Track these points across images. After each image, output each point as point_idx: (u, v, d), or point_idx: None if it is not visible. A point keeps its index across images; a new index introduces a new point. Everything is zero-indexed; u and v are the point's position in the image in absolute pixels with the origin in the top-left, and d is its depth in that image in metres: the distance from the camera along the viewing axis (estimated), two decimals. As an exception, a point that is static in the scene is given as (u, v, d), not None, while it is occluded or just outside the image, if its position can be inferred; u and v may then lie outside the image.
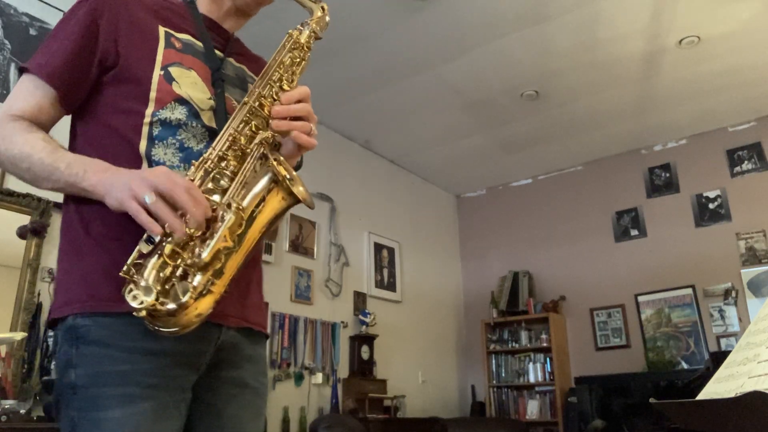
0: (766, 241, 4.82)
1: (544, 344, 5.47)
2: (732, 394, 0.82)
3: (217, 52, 1.12)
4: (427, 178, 6.38)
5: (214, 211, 0.89)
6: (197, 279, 0.86)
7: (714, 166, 5.22)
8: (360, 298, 5.12)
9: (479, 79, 4.53)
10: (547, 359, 5.45)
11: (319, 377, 4.48)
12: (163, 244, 0.86)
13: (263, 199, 0.93)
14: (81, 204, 0.97)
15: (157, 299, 0.83)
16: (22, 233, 2.98)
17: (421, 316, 5.77)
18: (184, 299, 0.84)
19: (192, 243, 0.87)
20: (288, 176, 0.95)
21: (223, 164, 0.95)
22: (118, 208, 0.87)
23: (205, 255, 0.86)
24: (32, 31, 3.28)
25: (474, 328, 6.14)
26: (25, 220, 3.00)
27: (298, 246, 4.67)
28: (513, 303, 5.79)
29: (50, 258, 3.09)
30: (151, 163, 0.97)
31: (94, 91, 1.02)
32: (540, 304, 5.72)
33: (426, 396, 5.50)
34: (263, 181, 0.93)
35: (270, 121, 1.00)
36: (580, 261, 5.72)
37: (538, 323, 5.65)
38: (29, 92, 0.98)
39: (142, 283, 0.84)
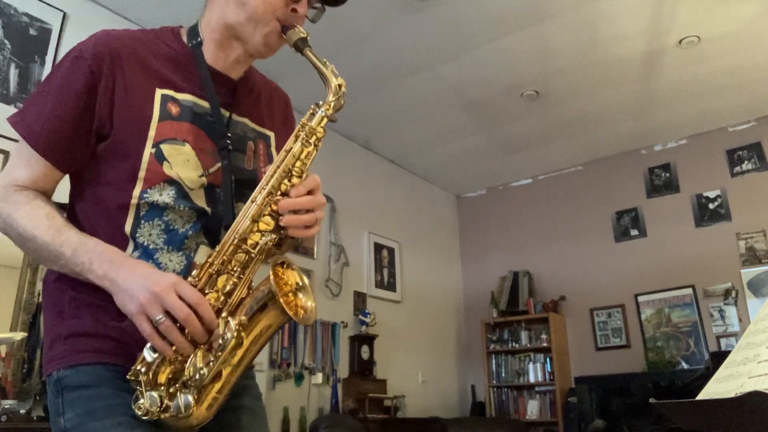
0: (766, 241, 4.82)
1: (544, 344, 5.47)
2: (732, 394, 0.82)
3: (222, 111, 1.07)
4: (427, 178, 6.38)
5: (217, 324, 0.91)
6: (198, 393, 0.90)
7: (714, 166, 5.22)
8: (360, 298, 5.12)
9: (479, 79, 4.53)
10: (547, 359, 5.45)
11: (319, 377, 4.48)
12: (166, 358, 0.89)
13: (262, 312, 0.92)
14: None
15: (160, 408, 0.88)
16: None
17: (421, 316, 5.77)
18: (185, 412, 0.88)
19: (195, 354, 0.90)
20: (299, 283, 0.97)
21: (228, 267, 0.95)
22: (125, 312, 0.89)
23: (206, 375, 0.89)
24: (32, 31, 3.28)
25: (474, 328, 6.14)
26: (25, 220, 2.99)
27: (298, 246, 4.68)
28: (513, 303, 5.79)
29: (50, 258, 3.09)
30: (136, 245, 0.97)
31: (91, 157, 1.00)
32: (540, 304, 5.72)
33: (426, 396, 5.50)
34: (263, 295, 0.92)
35: (279, 217, 0.98)
36: (580, 261, 5.72)
37: (538, 323, 5.65)
38: (27, 162, 0.97)
39: (148, 391, 0.88)
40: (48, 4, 3.36)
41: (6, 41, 3.16)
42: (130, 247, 0.98)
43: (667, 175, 5.48)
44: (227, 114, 1.09)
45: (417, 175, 6.26)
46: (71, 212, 1.03)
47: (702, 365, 4.63)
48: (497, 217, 6.44)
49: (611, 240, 5.62)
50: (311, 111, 1.09)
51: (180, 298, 0.86)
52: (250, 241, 0.96)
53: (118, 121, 0.97)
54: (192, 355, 0.89)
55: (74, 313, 0.97)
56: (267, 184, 0.99)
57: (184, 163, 1.00)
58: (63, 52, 3.39)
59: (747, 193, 5.01)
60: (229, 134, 1.06)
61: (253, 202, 0.98)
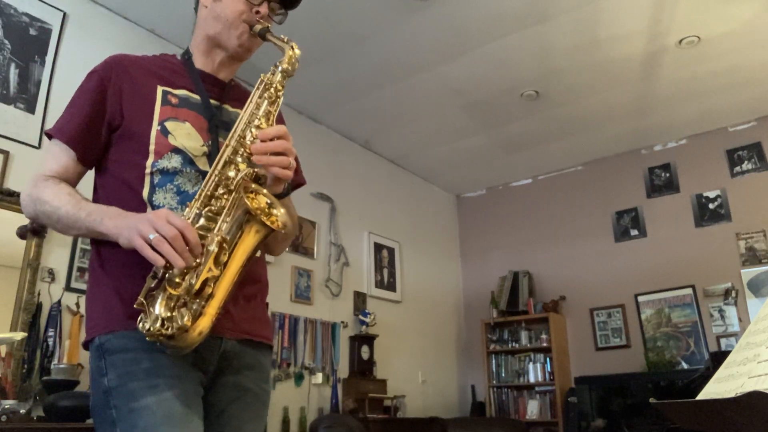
0: (766, 241, 4.82)
1: (544, 344, 5.47)
2: (732, 394, 0.82)
3: (212, 101, 1.28)
4: (427, 178, 6.38)
5: (204, 244, 1.04)
6: (194, 305, 1.03)
7: (714, 166, 5.22)
8: (360, 298, 5.12)
9: (479, 79, 4.53)
10: (547, 359, 5.45)
11: (319, 377, 4.48)
12: (166, 276, 1.03)
13: (242, 230, 1.06)
14: (100, 246, 1.17)
15: (162, 325, 1.00)
16: (22, 233, 2.99)
17: (421, 316, 5.77)
18: (183, 322, 1.01)
19: (188, 273, 1.03)
20: (268, 202, 1.11)
21: (212, 202, 1.11)
22: (128, 246, 1.03)
23: (195, 283, 1.02)
24: (32, 31, 3.28)
25: (474, 328, 6.14)
26: (25, 220, 2.99)
27: (298, 246, 4.68)
28: (513, 303, 5.79)
29: (50, 258, 3.09)
30: (153, 207, 1.15)
31: (107, 147, 1.21)
32: (540, 304, 5.72)
33: (426, 396, 5.50)
34: (239, 215, 1.07)
35: (252, 157, 1.14)
36: (580, 261, 5.72)
37: (538, 323, 5.65)
38: (56, 155, 1.19)
39: (152, 312, 1.02)
40: (48, 4, 3.36)
41: (6, 41, 3.16)
42: (149, 210, 1.14)
43: (667, 175, 5.48)
44: (218, 104, 1.30)
45: (417, 175, 6.26)
46: (95, 200, 1.21)
47: (702, 365, 4.62)
48: (497, 217, 6.44)
49: (611, 240, 5.62)
50: (271, 71, 1.25)
51: (170, 224, 1.00)
52: (228, 177, 1.12)
53: (128, 110, 1.19)
54: (187, 277, 1.02)
55: (106, 281, 1.14)
56: (236, 131, 1.17)
57: (186, 135, 1.20)
58: (63, 52, 3.39)
59: (747, 193, 5.01)
60: (218, 116, 1.26)
61: (227, 146, 1.15)
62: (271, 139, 1.14)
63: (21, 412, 2.60)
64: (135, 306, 1.03)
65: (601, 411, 4.69)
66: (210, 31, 1.30)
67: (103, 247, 1.16)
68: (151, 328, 1.00)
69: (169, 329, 1.00)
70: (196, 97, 1.26)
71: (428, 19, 3.82)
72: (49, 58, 3.32)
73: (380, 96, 4.73)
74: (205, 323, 1.03)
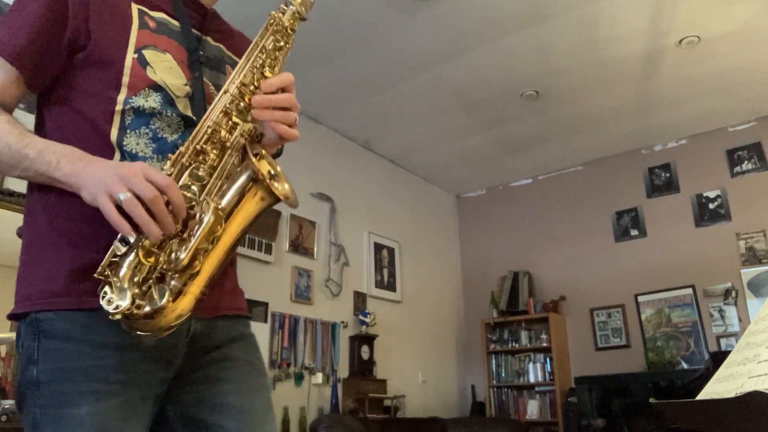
0: (766, 241, 4.82)
1: (544, 344, 5.46)
2: (732, 394, 0.82)
3: (193, 31, 1.05)
4: (427, 178, 6.38)
5: (192, 209, 0.85)
6: (174, 281, 0.83)
7: (714, 166, 5.22)
8: (360, 298, 5.12)
9: (479, 79, 4.53)
10: (547, 359, 5.45)
11: (319, 377, 4.48)
12: (139, 243, 0.83)
13: (242, 198, 0.88)
14: (46, 193, 0.92)
15: (133, 302, 0.80)
16: (22, 233, 2.98)
17: (421, 316, 5.77)
18: (162, 302, 0.82)
19: (168, 243, 0.84)
20: (271, 172, 0.91)
21: (201, 158, 0.90)
22: (91, 203, 0.83)
23: (184, 258, 0.83)
24: (32, 31, 3.27)
25: (474, 328, 6.14)
26: (25, 220, 3.00)
27: (298, 246, 4.67)
28: (513, 303, 5.79)
29: (50, 258, 3.09)
30: (123, 154, 0.93)
31: (63, 71, 0.95)
32: (540, 304, 5.72)
33: (426, 396, 5.50)
34: (242, 179, 0.89)
35: (251, 111, 0.95)
36: (580, 261, 5.72)
37: (538, 323, 5.65)
38: None
39: (117, 285, 0.81)
40: (48, 4, 3.36)
41: (6, 41, 3.15)
42: (117, 156, 0.92)
43: (667, 175, 5.48)
44: (200, 35, 1.08)
45: (417, 175, 6.25)
46: (39, 134, 0.95)
47: (702, 365, 4.62)
48: (497, 217, 6.44)
49: (611, 240, 5.62)
50: (281, 8, 1.02)
51: (149, 182, 0.80)
52: (223, 132, 0.92)
53: (96, 29, 0.94)
54: (166, 247, 0.84)
55: (58, 243, 0.91)
56: (237, 76, 0.96)
57: (167, 70, 0.98)
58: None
59: (747, 193, 5.01)
60: (201, 51, 1.04)
61: (226, 92, 0.95)
62: (275, 92, 0.95)
63: (21, 412, 2.60)
64: (96, 275, 0.82)
65: (601, 411, 4.69)
66: None
67: (52, 193, 0.90)
68: (119, 305, 0.79)
69: (141, 308, 0.81)
70: (175, 23, 1.03)
71: (428, 19, 3.82)
72: (49, 58, 3.31)
73: (380, 96, 4.73)
74: (185, 304, 0.84)
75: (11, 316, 0.92)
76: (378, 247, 5.48)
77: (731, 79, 4.54)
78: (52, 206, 0.92)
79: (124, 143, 0.93)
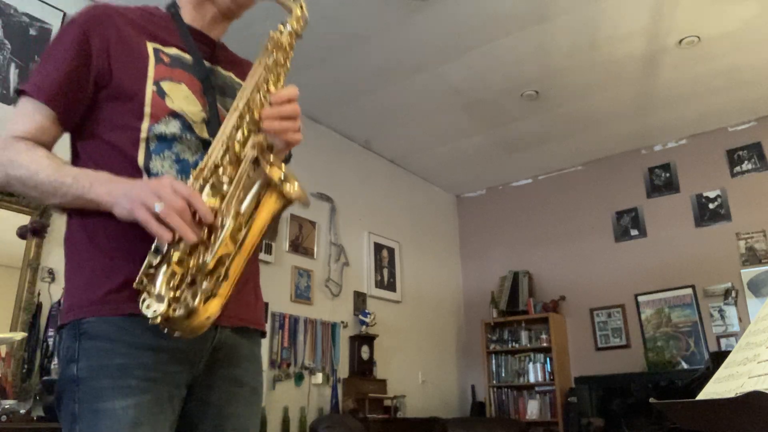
0: (766, 241, 4.82)
1: (544, 344, 5.47)
2: (732, 394, 0.82)
3: (204, 62, 1.15)
4: (427, 178, 6.38)
5: (215, 216, 0.93)
6: (204, 284, 0.91)
7: (714, 166, 5.22)
8: (360, 298, 5.12)
9: (479, 79, 4.53)
10: (547, 359, 5.45)
11: (319, 377, 4.48)
12: (171, 253, 0.91)
13: (259, 202, 0.96)
14: (85, 218, 1.02)
15: (169, 306, 0.89)
16: (22, 233, 2.98)
17: (421, 316, 5.77)
18: (194, 304, 0.90)
19: (197, 250, 0.92)
20: (282, 177, 0.98)
21: (219, 171, 0.99)
22: (126, 218, 0.92)
23: (209, 261, 0.91)
24: (32, 31, 3.28)
25: (474, 328, 6.14)
26: (25, 220, 3.00)
27: (298, 246, 4.68)
28: (513, 303, 5.79)
29: (50, 258, 3.09)
30: (150, 176, 1.02)
31: (91, 108, 1.06)
32: (540, 304, 5.72)
33: (426, 396, 5.50)
34: (257, 185, 0.96)
35: (261, 123, 1.03)
36: (580, 261, 5.72)
37: (538, 323, 5.65)
38: (29, 115, 1.03)
39: (155, 292, 0.90)
40: (48, 4, 3.36)
41: (6, 41, 3.16)
42: (145, 178, 1.02)
43: (667, 175, 5.48)
44: (210, 65, 1.17)
45: (417, 175, 6.26)
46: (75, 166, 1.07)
47: (702, 365, 4.63)
48: (497, 217, 6.44)
49: (611, 240, 5.62)
50: (279, 29, 1.13)
51: (176, 192, 0.90)
52: (237, 146, 1.01)
53: (117, 67, 1.05)
54: (195, 253, 0.92)
55: (92, 257, 1.01)
56: (243, 94, 1.06)
57: (184, 98, 1.08)
58: (63, 52, 3.39)
59: (747, 193, 5.01)
60: (212, 79, 1.14)
61: (235, 109, 1.04)
62: (282, 103, 1.05)
63: (21, 412, 2.60)
64: (135, 286, 0.92)
65: (601, 411, 4.69)
66: None
67: (89, 217, 1.01)
68: (157, 310, 0.89)
69: (176, 311, 0.90)
70: (188, 56, 1.13)
71: (428, 19, 3.82)
72: (49, 58, 3.31)
73: (380, 96, 4.73)
74: (215, 306, 0.93)
75: (59, 327, 1.02)
76: (378, 247, 5.48)
77: (731, 79, 4.54)
78: (90, 226, 1.02)
79: (150, 166, 1.03)
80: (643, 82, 4.59)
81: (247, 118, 1.04)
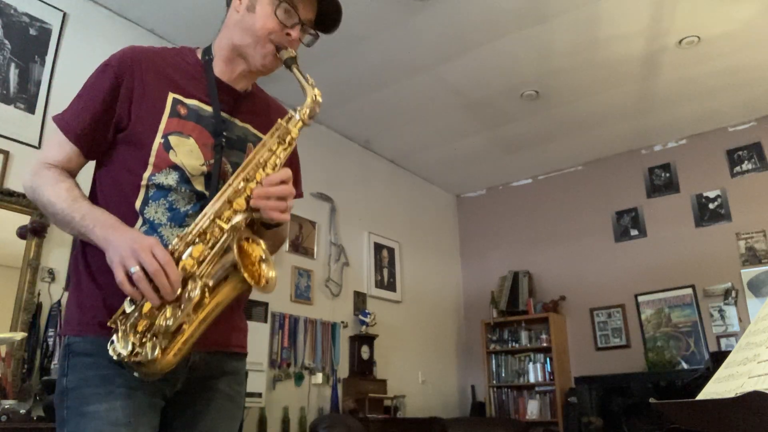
0: (766, 241, 4.82)
1: (544, 344, 5.47)
2: (732, 394, 0.82)
3: (222, 115, 1.25)
4: (427, 178, 6.38)
5: (187, 280, 1.05)
6: (164, 342, 1.03)
7: (714, 166, 5.22)
8: (360, 298, 5.12)
9: (479, 79, 4.53)
10: (547, 359, 5.45)
11: (319, 377, 4.48)
12: (143, 305, 1.04)
13: (225, 278, 1.07)
14: (87, 247, 1.16)
15: (131, 351, 1.01)
16: (22, 233, 2.98)
17: (421, 316, 5.77)
18: (153, 355, 1.02)
19: (164, 307, 1.04)
20: (261, 258, 1.11)
21: (202, 237, 1.10)
22: (110, 266, 1.04)
23: (171, 325, 1.03)
24: (32, 31, 3.28)
25: (474, 328, 6.14)
26: (25, 220, 3.00)
27: (298, 246, 4.68)
28: (513, 303, 5.79)
29: (50, 258, 3.09)
30: (144, 220, 1.15)
31: (112, 145, 1.21)
32: (540, 304, 5.72)
33: (426, 396, 5.50)
34: (227, 262, 1.07)
35: (251, 201, 1.14)
36: (580, 261, 5.72)
37: (538, 323, 5.65)
38: (60, 144, 1.18)
39: (122, 336, 1.03)
40: (48, 4, 3.36)
41: (6, 41, 3.16)
42: (139, 222, 1.15)
43: (667, 175, 5.48)
44: (229, 118, 1.27)
45: (417, 175, 6.26)
46: (92, 192, 1.22)
47: (702, 365, 4.63)
48: (497, 217, 6.44)
49: (611, 240, 5.62)
50: (289, 115, 1.24)
51: (154, 257, 1.01)
52: (224, 218, 1.11)
53: (135, 115, 1.18)
54: (163, 310, 1.03)
55: (87, 284, 1.16)
56: (243, 171, 1.15)
57: (188, 153, 1.19)
58: (63, 52, 3.39)
59: (747, 193, 5.01)
60: (226, 133, 1.24)
61: (230, 185, 1.14)
62: (274, 185, 1.14)
63: (21, 412, 2.60)
64: (108, 324, 1.04)
65: (601, 411, 4.69)
66: (236, 40, 1.26)
67: (89, 249, 1.15)
68: (121, 353, 1.01)
69: (138, 356, 1.01)
70: (208, 109, 1.23)
71: (428, 19, 3.82)
72: (49, 58, 3.32)
73: (380, 96, 4.73)
74: (171, 358, 1.04)
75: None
76: (378, 247, 5.48)
77: (731, 79, 4.54)
78: (90, 255, 1.16)
79: (145, 211, 1.16)
80: (643, 82, 4.59)
81: (240, 193, 1.14)
